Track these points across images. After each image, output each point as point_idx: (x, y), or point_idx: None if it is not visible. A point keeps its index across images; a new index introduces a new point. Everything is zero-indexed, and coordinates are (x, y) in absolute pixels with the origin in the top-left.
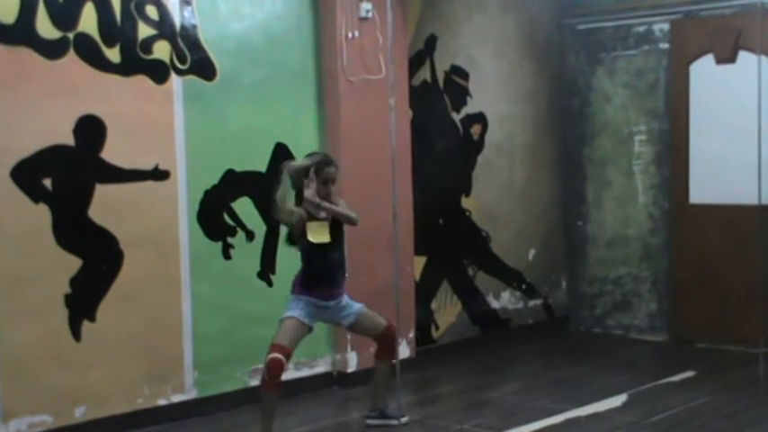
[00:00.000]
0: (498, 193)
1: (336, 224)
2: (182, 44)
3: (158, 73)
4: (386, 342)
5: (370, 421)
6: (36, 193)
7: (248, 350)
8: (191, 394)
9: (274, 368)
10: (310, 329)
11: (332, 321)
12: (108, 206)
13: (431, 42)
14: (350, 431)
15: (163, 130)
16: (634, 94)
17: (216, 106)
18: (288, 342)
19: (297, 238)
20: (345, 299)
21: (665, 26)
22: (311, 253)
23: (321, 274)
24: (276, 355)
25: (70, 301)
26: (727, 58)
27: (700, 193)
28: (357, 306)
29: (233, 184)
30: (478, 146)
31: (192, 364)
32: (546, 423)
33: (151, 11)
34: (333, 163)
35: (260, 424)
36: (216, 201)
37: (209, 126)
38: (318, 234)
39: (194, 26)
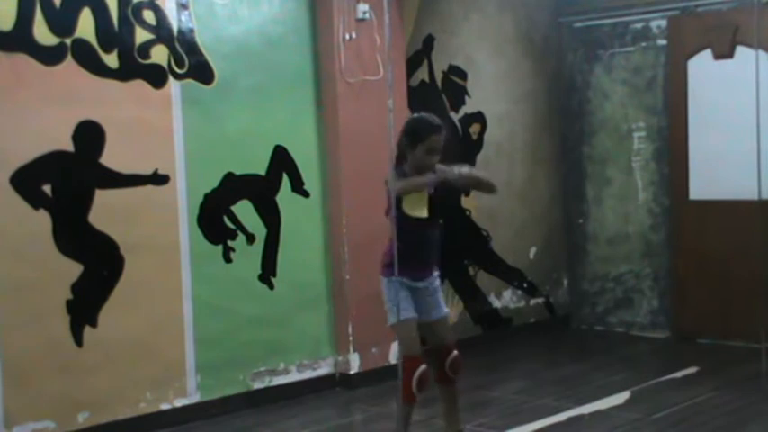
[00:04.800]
0: (498, 193)
1: (435, 199)
2: (179, 48)
3: (156, 78)
4: (439, 360)
5: None
6: (36, 200)
7: (250, 353)
8: (193, 398)
9: (426, 379)
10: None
11: (422, 307)
12: (108, 211)
13: (428, 42)
14: None
15: (162, 135)
16: (632, 91)
17: (214, 110)
18: (418, 349)
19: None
20: (437, 283)
21: (663, 23)
22: (404, 226)
23: (411, 251)
24: (423, 366)
25: (72, 306)
26: (724, 53)
27: (700, 189)
28: (445, 309)
29: (233, 187)
30: (478, 145)
31: (194, 367)
32: (549, 421)
33: (148, 15)
34: (440, 129)
35: None
36: (216, 204)
37: (207, 130)
38: (415, 208)
39: (191, 30)
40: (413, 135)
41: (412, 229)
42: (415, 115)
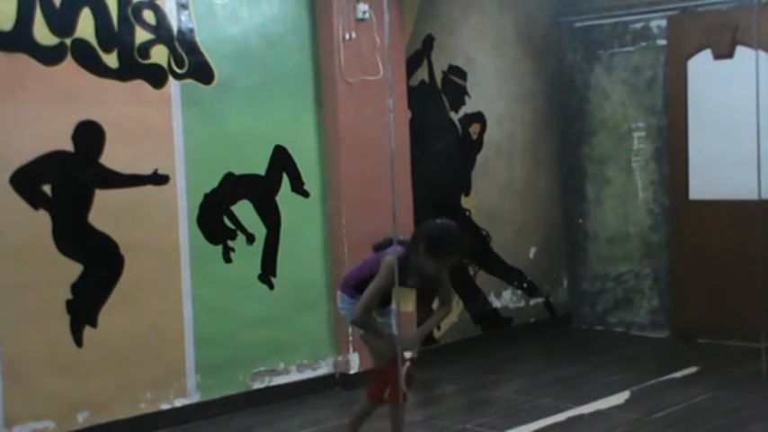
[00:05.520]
0: (498, 192)
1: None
2: (179, 48)
3: (156, 77)
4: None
5: None
6: (36, 200)
7: (250, 353)
8: (193, 398)
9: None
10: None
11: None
12: (108, 211)
13: (428, 42)
14: None
15: (161, 135)
16: (632, 91)
17: (214, 110)
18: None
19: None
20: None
21: (663, 22)
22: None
23: (382, 303)
24: (408, 363)
25: (71, 306)
26: (724, 53)
27: (699, 188)
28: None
29: (232, 187)
30: (478, 145)
31: (194, 367)
32: (549, 421)
33: (148, 15)
34: (459, 253)
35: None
36: (216, 204)
37: (207, 130)
38: (405, 303)
39: (191, 30)
40: (432, 247)
41: (386, 298)
42: (443, 223)
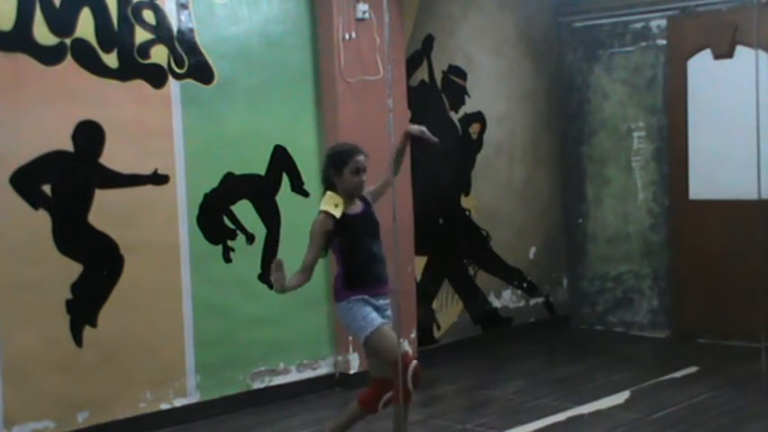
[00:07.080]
0: (498, 192)
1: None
2: (179, 48)
3: (156, 77)
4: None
5: None
6: (36, 200)
7: (250, 353)
8: (193, 398)
9: (420, 373)
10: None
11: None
12: (108, 211)
13: (428, 42)
14: None
15: (161, 135)
16: (632, 91)
17: (214, 110)
18: (402, 347)
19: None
20: (390, 312)
21: (662, 22)
22: (351, 247)
23: (366, 267)
24: (415, 362)
25: (71, 306)
26: (724, 53)
27: (699, 188)
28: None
29: (232, 187)
30: (477, 145)
31: (194, 367)
32: (549, 421)
33: (148, 15)
34: (361, 151)
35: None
36: (215, 204)
37: (207, 130)
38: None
39: (191, 30)
40: (337, 161)
41: (360, 246)
42: (334, 145)
